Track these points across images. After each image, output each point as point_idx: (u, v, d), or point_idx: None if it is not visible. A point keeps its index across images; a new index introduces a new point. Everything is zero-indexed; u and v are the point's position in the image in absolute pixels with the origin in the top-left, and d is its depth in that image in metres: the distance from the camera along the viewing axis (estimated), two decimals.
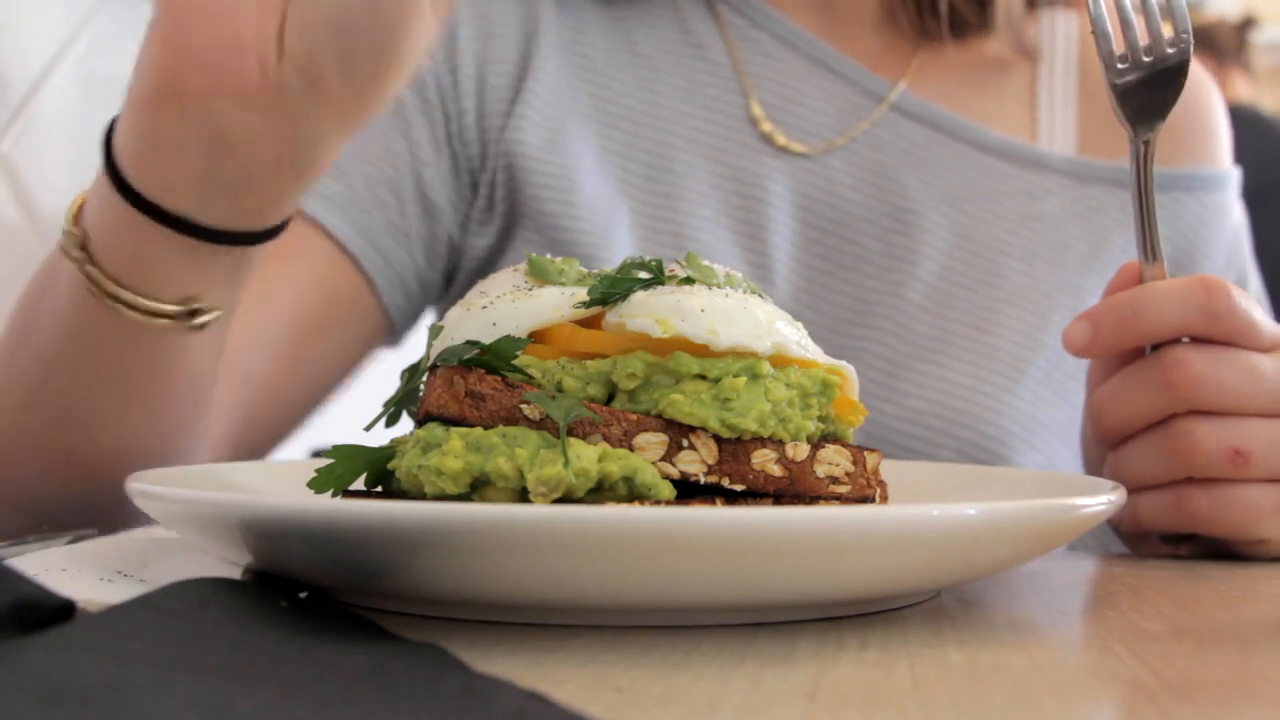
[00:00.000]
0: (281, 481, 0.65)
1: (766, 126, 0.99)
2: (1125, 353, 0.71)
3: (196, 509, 0.50)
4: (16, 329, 0.73)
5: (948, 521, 0.46)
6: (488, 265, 0.97)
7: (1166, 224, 1.00)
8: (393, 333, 0.99)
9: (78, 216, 0.66)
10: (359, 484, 0.56)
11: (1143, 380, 0.69)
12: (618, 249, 0.93)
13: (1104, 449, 0.73)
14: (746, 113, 0.99)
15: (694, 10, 1.02)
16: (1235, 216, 1.05)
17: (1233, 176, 1.05)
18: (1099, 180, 1.00)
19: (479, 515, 0.43)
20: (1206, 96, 1.06)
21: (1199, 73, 1.06)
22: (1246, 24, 3.45)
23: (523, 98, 0.96)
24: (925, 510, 0.45)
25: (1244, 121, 2.98)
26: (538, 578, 0.45)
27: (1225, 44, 3.33)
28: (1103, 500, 0.52)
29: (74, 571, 0.54)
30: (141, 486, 0.52)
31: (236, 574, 0.51)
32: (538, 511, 0.42)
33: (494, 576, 0.45)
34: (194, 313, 0.66)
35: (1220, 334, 0.68)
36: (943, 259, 0.97)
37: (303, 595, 0.49)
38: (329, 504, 0.45)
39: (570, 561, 0.43)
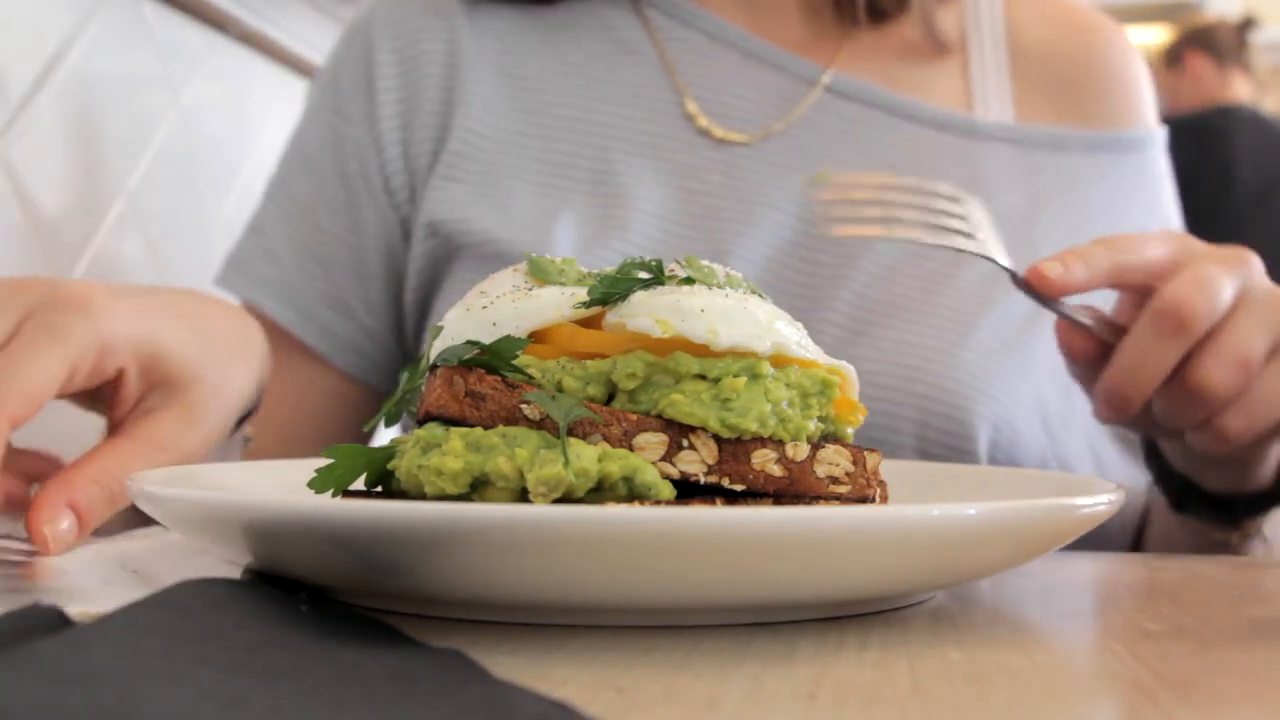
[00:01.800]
0: (281, 481, 0.65)
1: (703, 121, 1.00)
2: (1096, 354, 0.75)
3: (197, 509, 0.50)
4: None
5: (948, 521, 0.46)
6: (429, 289, 0.99)
7: (1095, 184, 1.03)
8: (363, 383, 1.03)
9: None
10: (359, 484, 0.56)
11: (1152, 341, 0.72)
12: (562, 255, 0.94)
13: (1126, 417, 0.76)
14: (682, 110, 1.01)
15: (621, 17, 1.04)
16: (1159, 171, 1.08)
17: (1157, 135, 1.07)
18: (1035, 145, 1.03)
19: (479, 515, 0.43)
20: (1126, 57, 1.08)
21: (1118, 35, 1.09)
22: (1246, 24, 3.45)
23: (452, 134, 0.99)
24: (925, 510, 0.45)
25: (1244, 121, 2.98)
26: (538, 577, 0.45)
27: (1225, 44, 3.33)
28: (1102, 500, 0.52)
29: (75, 571, 0.54)
30: (143, 487, 0.52)
31: (236, 573, 0.51)
32: (538, 511, 0.42)
33: (494, 576, 0.45)
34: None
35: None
36: None
37: (302, 594, 0.49)
38: (330, 504, 0.45)
39: (570, 561, 0.43)
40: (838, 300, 0.96)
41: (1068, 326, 0.76)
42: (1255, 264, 0.74)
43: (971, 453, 0.90)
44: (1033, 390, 0.94)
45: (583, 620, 0.48)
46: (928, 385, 0.93)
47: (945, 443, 0.90)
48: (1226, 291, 0.71)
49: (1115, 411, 0.75)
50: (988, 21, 1.07)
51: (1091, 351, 0.76)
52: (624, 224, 0.96)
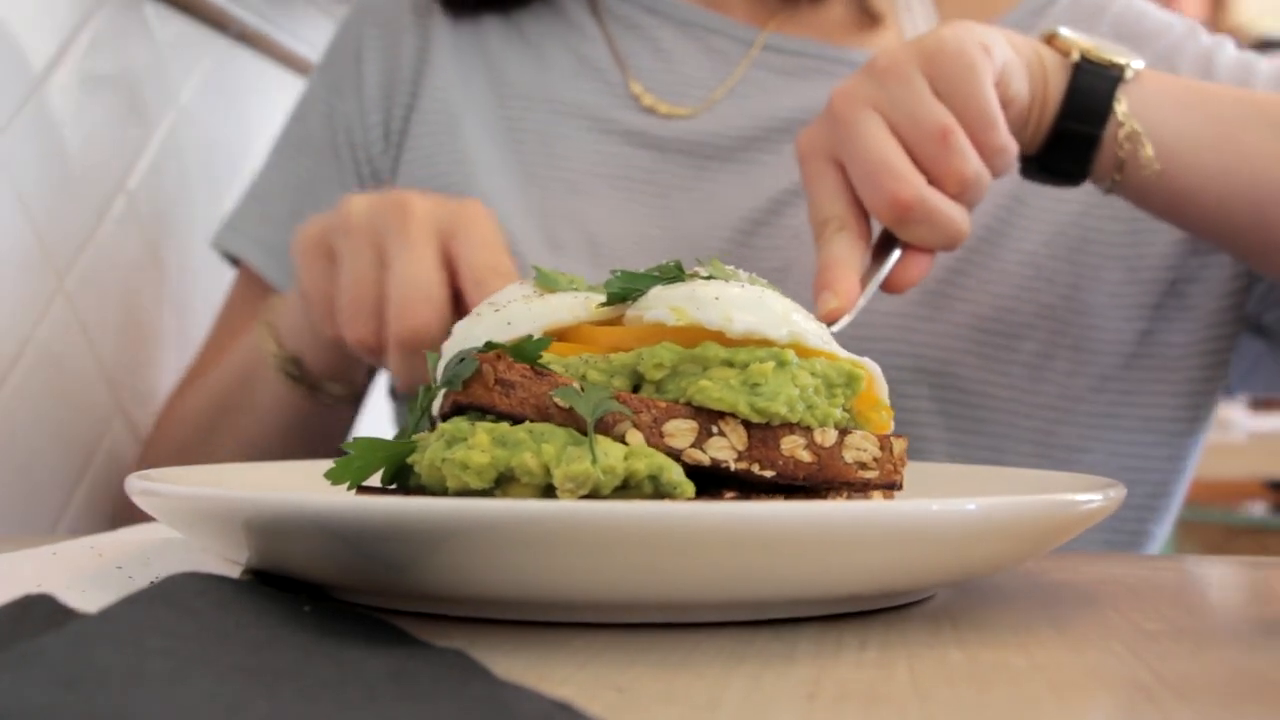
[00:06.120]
0: (283, 480, 0.65)
1: (648, 100, 1.03)
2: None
3: (198, 505, 0.50)
4: (210, 423, 0.99)
5: (948, 517, 0.46)
6: None
7: None
8: None
9: (278, 341, 0.92)
10: (374, 480, 0.56)
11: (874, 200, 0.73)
12: (512, 216, 0.97)
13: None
14: (627, 90, 1.04)
15: None
16: None
17: None
18: None
19: (479, 510, 0.42)
20: None
21: None
22: None
23: (421, 98, 1.03)
24: (925, 505, 0.45)
25: None
26: (539, 573, 0.45)
27: None
28: (1100, 497, 0.52)
29: (74, 570, 0.54)
30: (144, 484, 0.52)
31: (235, 573, 0.51)
32: (537, 507, 0.42)
33: (494, 572, 0.45)
34: (360, 394, 0.97)
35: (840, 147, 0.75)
36: None
37: (303, 594, 0.48)
38: (333, 499, 0.44)
39: (570, 558, 0.43)
40: (809, 260, 0.96)
41: (896, 272, 0.76)
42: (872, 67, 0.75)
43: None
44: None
45: (583, 618, 0.48)
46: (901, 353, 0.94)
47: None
48: (874, 130, 0.72)
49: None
50: None
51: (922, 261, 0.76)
52: (571, 188, 0.99)
